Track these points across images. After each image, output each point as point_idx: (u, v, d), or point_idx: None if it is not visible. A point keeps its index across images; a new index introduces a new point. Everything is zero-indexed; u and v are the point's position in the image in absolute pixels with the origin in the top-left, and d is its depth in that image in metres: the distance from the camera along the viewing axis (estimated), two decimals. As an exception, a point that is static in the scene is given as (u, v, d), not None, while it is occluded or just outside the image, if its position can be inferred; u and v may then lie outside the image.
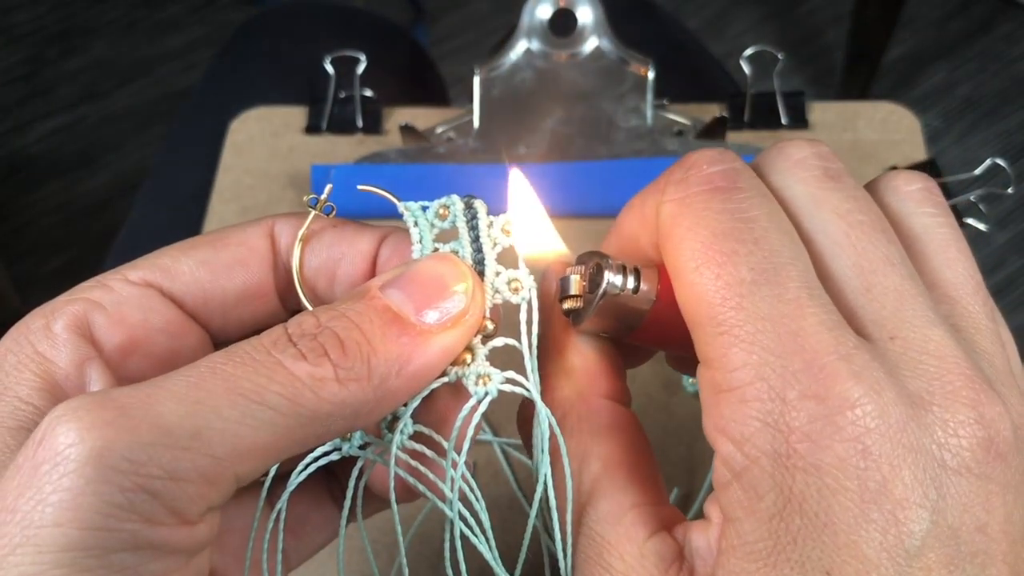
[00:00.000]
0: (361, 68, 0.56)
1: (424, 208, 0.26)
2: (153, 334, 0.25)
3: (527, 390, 0.24)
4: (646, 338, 0.25)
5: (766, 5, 1.60)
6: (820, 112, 0.56)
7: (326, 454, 0.25)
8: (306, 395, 0.21)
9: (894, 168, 0.52)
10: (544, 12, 0.53)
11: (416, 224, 0.25)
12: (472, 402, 0.24)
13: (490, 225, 0.25)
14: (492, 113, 0.54)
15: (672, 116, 0.54)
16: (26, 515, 0.18)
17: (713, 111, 0.56)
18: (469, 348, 0.25)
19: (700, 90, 0.62)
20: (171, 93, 1.51)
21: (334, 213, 0.27)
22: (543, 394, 0.25)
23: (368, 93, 0.57)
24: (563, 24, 0.54)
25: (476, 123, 0.54)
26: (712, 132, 0.53)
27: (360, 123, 0.56)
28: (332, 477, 0.27)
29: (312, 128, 0.56)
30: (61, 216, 1.38)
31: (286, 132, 0.57)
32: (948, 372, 0.20)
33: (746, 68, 0.55)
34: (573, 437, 0.24)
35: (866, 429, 0.19)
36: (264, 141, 0.56)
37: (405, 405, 0.24)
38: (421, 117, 0.56)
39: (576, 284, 0.24)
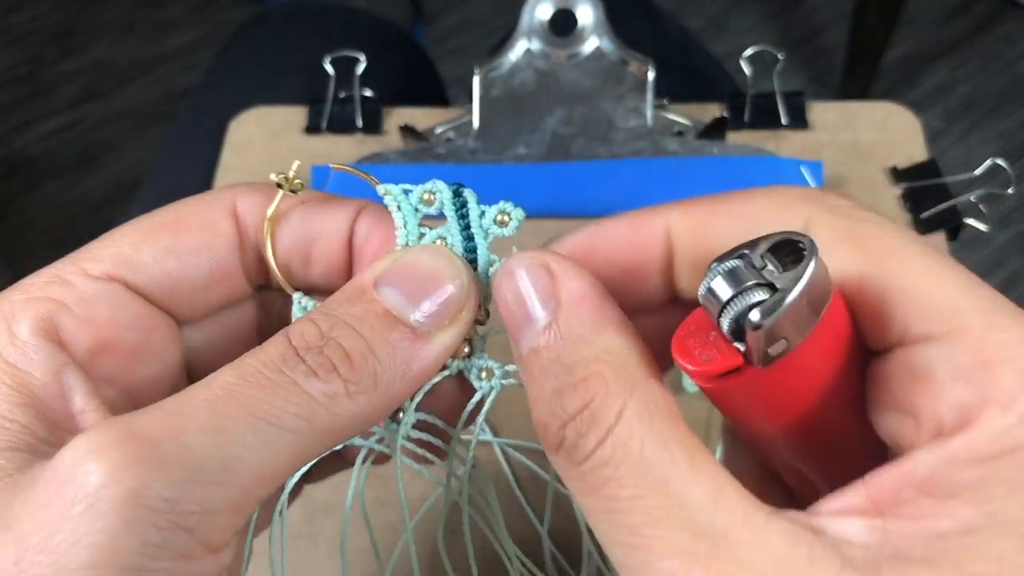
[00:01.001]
0: (361, 68, 0.56)
1: (407, 192, 0.25)
2: (121, 331, 0.24)
3: None
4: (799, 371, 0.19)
5: (766, 5, 1.60)
6: (820, 112, 0.56)
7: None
8: (321, 413, 0.21)
9: (894, 169, 0.52)
10: (544, 12, 0.53)
11: (399, 208, 0.24)
12: (477, 397, 0.24)
13: (482, 214, 0.24)
14: (492, 113, 0.54)
15: (672, 116, 0.54)
16: (59, 557, 0.18)
17: (713, 111, 0.56)
18: (467, 339, 0.24)
19: (700, 90, 0.62)
20: (171, 93, 1.51)
21: (303, 190, 0.25)
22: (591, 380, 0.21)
23: (368, 93, 0.57)
24: (563, 24, 0.54)
25: (476, 123, 0.54)
26: (712, 132, 0.53)
27: (360, 123, 0.56)
28: None
29: (312, 128, 0.56)
30: (61, 216, 1.38)
31: (286, 132, 0.57)
32: None
33: (746, 68, 0.55)
34: (651, 423, 0.19)
35: None
36: (264, 141, 0.56)
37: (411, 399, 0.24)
38: (421, 117, 0.56)
39: (725, 287, 0.18)
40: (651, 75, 0.53)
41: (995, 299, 0.19)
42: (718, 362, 0.19)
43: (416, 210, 0.24)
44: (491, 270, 0.24)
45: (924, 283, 0.19)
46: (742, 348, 0.19)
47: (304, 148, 0.56)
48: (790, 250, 0.18)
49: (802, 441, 0.21)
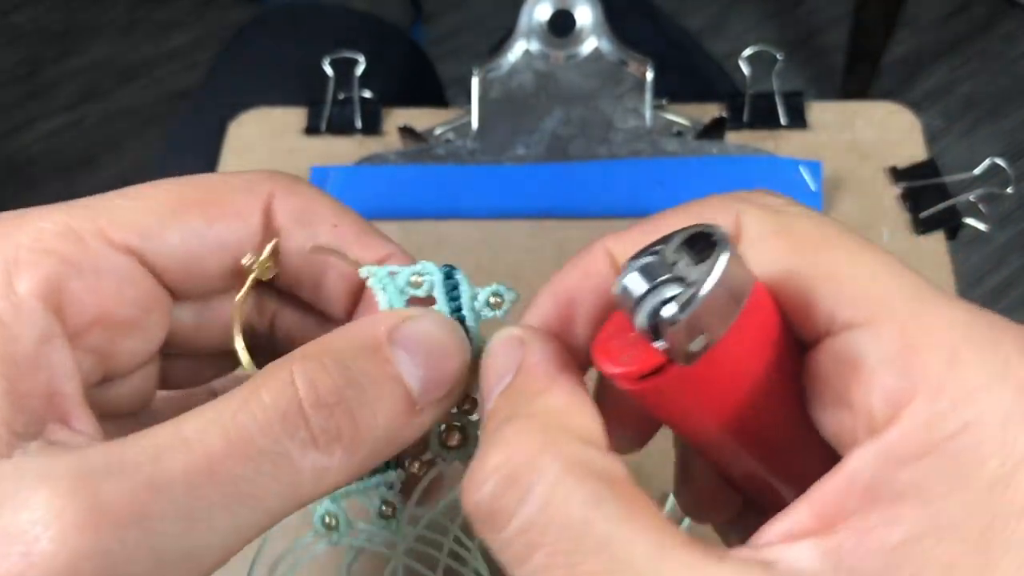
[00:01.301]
0: (360, 69, 0.56)
1: (392, 273, 0.24)
2: (123, 307, 0.22)
3: None
4: (717, 370, 0.18)
5: (766, 5, 1.60)
6: (819, 112, 0.56)
7: (311, 543, 0.23)
8: (305, 489, 0.19)
9: (894, 168, 0.52)
10: (543, 13, 0.53)
11: (384, 290, 0.23)
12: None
13: (474, 297, 0.24)
14: (491, 114, 0.54)
15: (671, 116, 0.54)
16: None
17: (712, 111, 0.56)
18: (460, 428, 0.23)
19: (699, 90, 0.62)
20: (171, 93, 1.51)
21: (278, 277, 0.24)
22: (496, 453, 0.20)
23: (367, 94, 0.57)
24: (562, 25, 0.54)
25: (475, 124, 0.54)
26: (711, 132, 0.53)
27: (359, 124, 0.56)
28: None
29: (311, 129, 0.56)
30: (61, 216, 1.38)
31: (285, 133, 0.57)
32: None
33: (745, 68, 0.55)
34: (575, 494, 0.17)
35: None
36: (263, 142, 0.56)
37: (390, 487, 0.23)
38: (420, 118, 0.56)
39: (639, 282, 0.18)
40: (650, 75, 0.53)
41: (921, 285, 0.18)
42: (639, 362, 0.18)
43: (402, 292, 0.23)
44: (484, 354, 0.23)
45: (850, 270, 0.18)
46: (663, 346, 0.17)
47: (303, 149, 0.56)
48: (705, 244, 0.17)
49: (744, 444, 0.20)
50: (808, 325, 0.19)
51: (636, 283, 0.17)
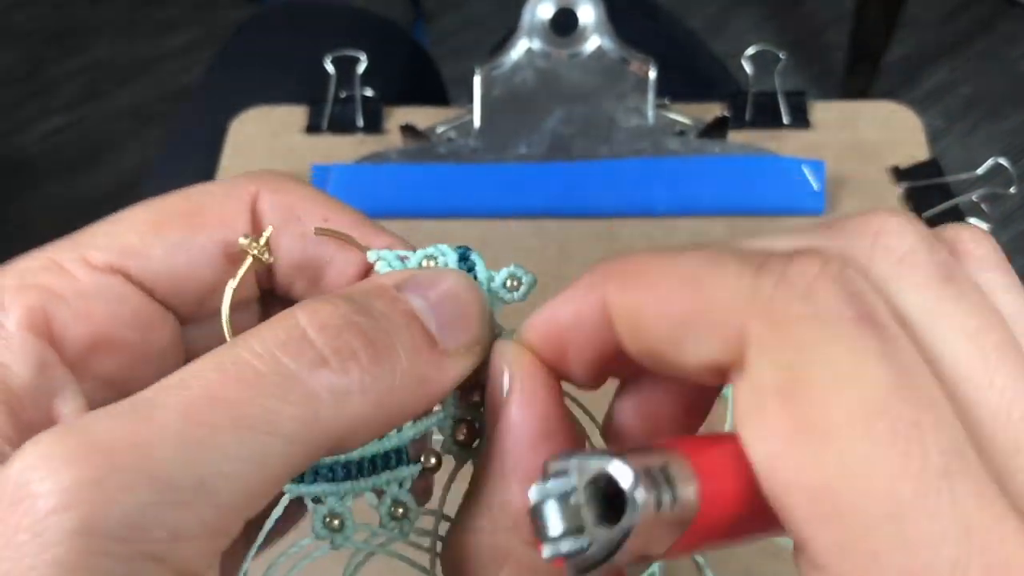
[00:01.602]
0: (361, 68, 0.56)
1: (403, 258, 0.22)
2: (120, 328, 0.21)
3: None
4: (684, 549, 0.16)
5: (767, 4, 1.60)
6: (821, 111, 0.55)
7: (309, 547, 0.21)
8: (326, 415, 0.18)
9: (896, 168, 0.52)
10: (545, 11, 0.53)
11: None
12: None
13: (491, 279, 0.22)
14: (493, 113, 0.53)
15: (673, 116, 0.54)
16: None
17: (714, 110, 0.56)
18: (470, 422, 0.22)
19: (701, 89, 0.62)
20: (171, 93, 1.51)
21: (271, 260, 0.23)
22: (464, 537, 0.20)
23: (368, 93, 0.56)
24: (564, 23, 0.53)
25: (477, 123, 0.53)
26: (713, 131, 0.53)
27: (360, 123, 0.56)
28: None
29: (312, 128, 0.56)
30: (61, 216, 1.38)
31: (286, 132, 0.57)
32: None
33: (747, 67, 0.55)
34: None
35: None
36: (264, 141, 0.56)
37: (401, 485, 0.21)
38: (421, 117, 0.56)
39: (557, 514, 0.16)
40: (652, 74, 0.53)
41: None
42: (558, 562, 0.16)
43: None
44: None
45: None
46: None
47: (305, 148, 0.56)
48: (616, 496, 0.15)
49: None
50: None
51: (547, 516, 0.16)
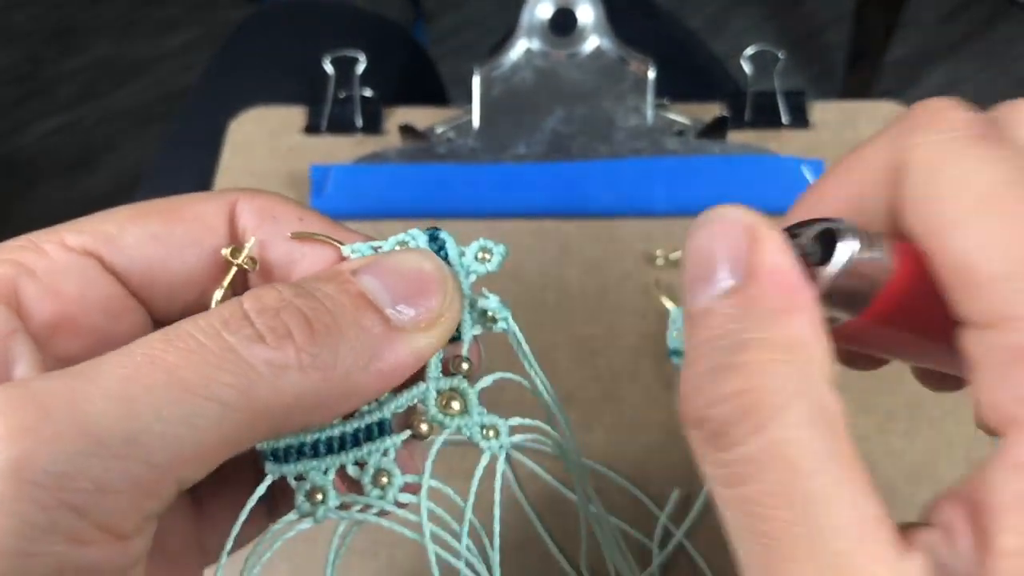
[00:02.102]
0: (360, 68, 0.56)
1: (375, 248, 0.23)
2: (88, 311, 0.22)
3: (552, 443, 0.22)
4: (872, 332, 0.20)
5: (767, 4, 1.60)
6: (821, 111, 0.55)
7: (294, 522, 0.22)
8: (261, 386, 0.18)
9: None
10: (544, 11, 0.53)
11: None
12: (485, 460, 0.22)
13: (462, 255, 0.23)
14: (492, 113, 0.53)
15: (672, 115, 0.54)
16: None
17: (714, 110, 0.56)
18: (458, 393, 0.22)
19: (701, 89, 0.62)
20: (171, 93, 1.51)
21: (256, 269, 0.24)
22: (752, 366, 0.17)
23: (368, 93, 0.56)
24: (563, 23, 0.53)
25: (476, 123, 0.53)
26: (713, 131, 0.53)
27: (360, 123, 0.56)
28: (256, 466, 0.24)
29: (311, 128, 0.56)
30: (61, 216, 1.36)
31: (285, 132, 0.56)
32: None
33: (747, 67, 0.55)
34: (814, 434, 0.17)
35: None
36: (263, 141, 0.56)
37: (385, 454, 0.22)
38: (421, 117, 0.56)
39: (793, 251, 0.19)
40: (651, 74, 0.53)
41: None
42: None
43: None
44: (472, 313, 0.23)
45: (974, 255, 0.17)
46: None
47: (304, 148, 0.56)
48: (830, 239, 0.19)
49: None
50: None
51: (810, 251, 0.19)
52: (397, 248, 0.23)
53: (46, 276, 0.21)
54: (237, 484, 0.24)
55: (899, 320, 0.20)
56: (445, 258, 0.23)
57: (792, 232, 0.19)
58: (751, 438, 0.17)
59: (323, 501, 0.22)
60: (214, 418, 0.18)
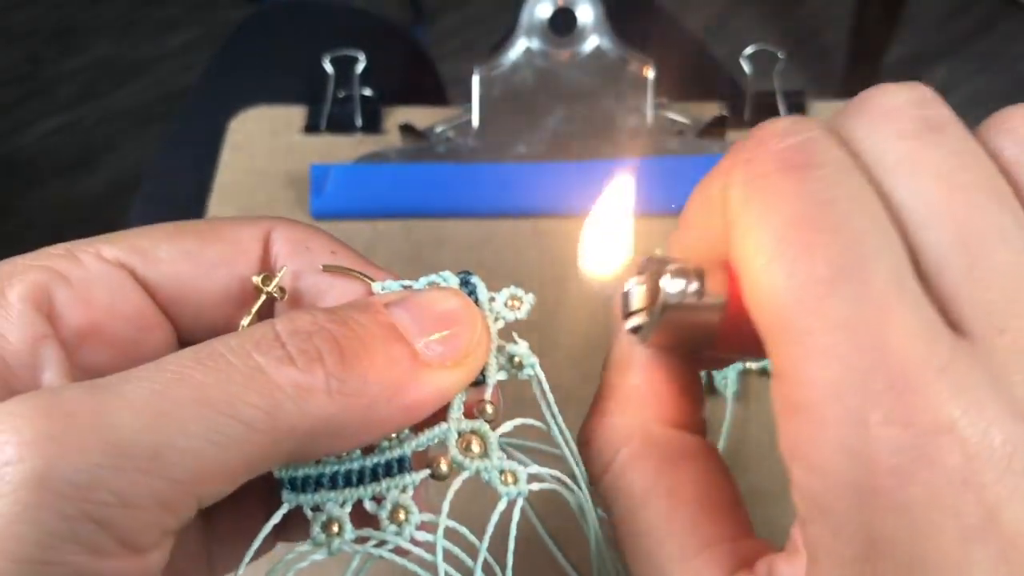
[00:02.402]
0: (360, 67, 0.56)
1: (406, 287, 0.23)
2: (117, 321, 0.22)
3: (568, 487, 0.23)
4: (725, 349, 0.22)
5: (767, 4, 1.60)
6: (821, 111, 0.55)
7: (307, 552, 0.22)
8: (287, 408, 0.18)
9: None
10: (544, 11, 0.53)
11: None
12: (503, 505, 0.22)
13: (492, 300, 0.23)
14: (492, 112, 0.53)
15: (672, 115, 0.54)
16: None
17: (713, 110, 0.56)
18: (479, 436, 0.23)
19: (700, 89, 0.62)
20: (171, 93, 1.51)
21: (285, 298, 0.24)
22: (595, 420, 0.22)
23: (367, 92, 0.56)
24: (563, 23, 0.53)
25: (475, 123, 0.53)
26: (713, 131, 0.53)
27: (359, 122, 0.56)
28: (268, 485, 0.24)
29: (311, 127, 0.56)
30: (61, 216, 1.38)
31: (285, 131, 0.56)
32: None
33: (746, 67, 0.55)
34: (635, 472, 0.21)
35: (965, 458, 0.15)
36: (263, 141, 0.56)
37: (403, 491, 0.22)
38: (420, 116, 0.56)
39: (640, 296, 0.22)
40: (651, 74, 0.53)
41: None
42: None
43: None
44: (499, 356, 0.23)
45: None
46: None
47: (303, 147, 0.56)
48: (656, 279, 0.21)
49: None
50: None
51: (632, 297, 0.22)
52: (428, 287, 0.23)
53: (79, 285, 0.22)
54: (248, 501, 0.24)
55: (745, 337, 0.20)
56: (475, 302, 0.23)
57: (649, 266, 0.22)
58: (606, 471, 0.22)
59: (339, 533, 0.22)
60: (238, 437, 0.18)
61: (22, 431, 0.16)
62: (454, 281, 0.23)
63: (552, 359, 0.47)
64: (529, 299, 0.24)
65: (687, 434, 0.22)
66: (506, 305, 0.23)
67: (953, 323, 0.17)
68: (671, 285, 0.20)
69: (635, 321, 0.22)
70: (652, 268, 0.21)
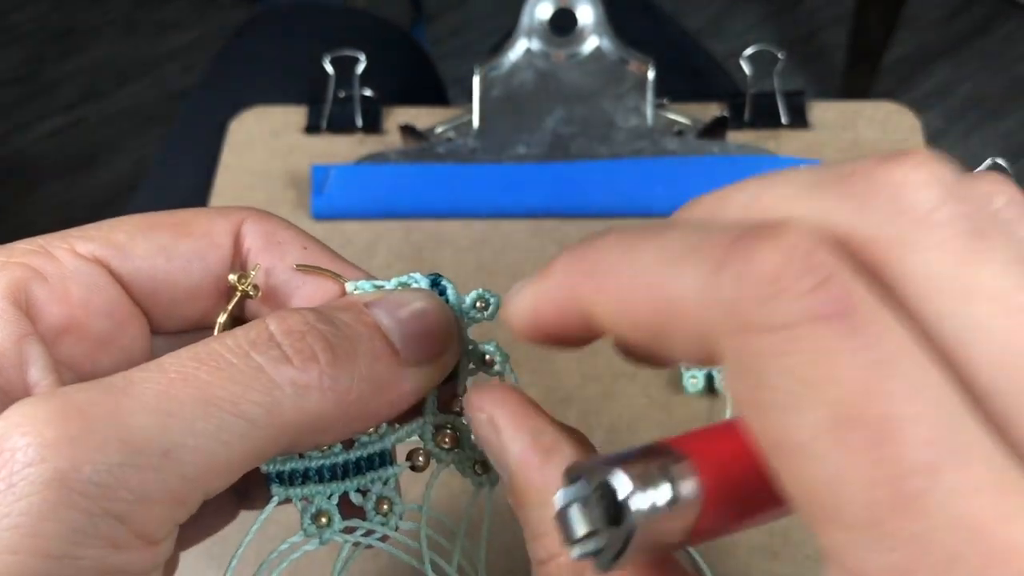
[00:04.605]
0: (360, 68, 0.56)
1: (378, 286, 0.24)
2: (93, 316, 0.23)
3: None
4: (706, 538, 0.17)
5: (766, 4, 1.60)
6: (821, 111, 0.56)
7: (299, 543, 0.23)
8: (285, 405, 0.19)
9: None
10: (544, 12, 0.53)
11: None
12: (477, 494, 0.24)
13: (460, 303, 0.24)
14: (492, 113, 0.54)
15: (672, 116, 0.54)
16: None
17: (713, 111, 0.56)
18: (454, 429, 0.24)
19: (700, 89, 0.62)
20: (171, 93, 1.51)
21: (258, 295, 0.24)
22: None
23: (368, 93, 0.56)
24: (563, 23, 0.54)
25: (476, 123, 0.54)
26: (712, 131, 0.53)
27: (360, 123, 0.56)
28: None
29: (312, 128, 0.56)
30: (61, 216, 1.38)
31: (286, 132, 0.57)
32: None
33: (746, 67, 0.55)
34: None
35: None
36: (264, 141, 0.56)
37: (386, 483, 0.23)
38: (421, 117, 0.56)
39: (584, 518, 0.16)
40: (651, 75, 0.53)
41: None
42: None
43: None
44: (470, 354, 0.24)
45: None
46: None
47: (304, 148, 0.56)
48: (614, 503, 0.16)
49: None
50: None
51: (572, 519, 0.16)
52: (399, 288, 0.24)
53: (56, 281, 0.22)
54: None
55: (729, 519, 0.17)
56: (446, 303, 0.24)
57: (587, 472, 0.16)
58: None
59: (328, 524, 0.23)
60: (242, 434, 0.19)
61: (43, 433, 0.17)
62: (424, 282, 0.24)
63: (552, 359, 0.47)
64: (495, 300, 0.24)
65: None
66: (475, 307, 0.24)
67: None
68: (638, 500, 0.15)
69: (589, 546, 0.16)
70: (592, 475, 0.16)
